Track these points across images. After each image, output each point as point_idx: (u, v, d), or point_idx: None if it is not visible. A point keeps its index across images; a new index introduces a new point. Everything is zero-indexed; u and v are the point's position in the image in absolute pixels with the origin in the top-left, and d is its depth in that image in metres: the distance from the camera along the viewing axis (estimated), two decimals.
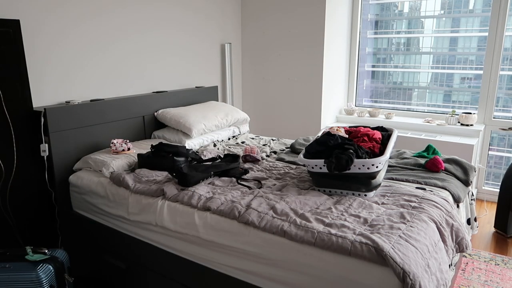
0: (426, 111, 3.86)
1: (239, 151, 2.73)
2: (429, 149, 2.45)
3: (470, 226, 2.25)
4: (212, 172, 2.13)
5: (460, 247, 1.73)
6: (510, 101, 3.51)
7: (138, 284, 2.13)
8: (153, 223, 1.94)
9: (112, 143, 2.42)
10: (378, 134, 2.14)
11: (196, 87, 3.47)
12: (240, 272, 1.68)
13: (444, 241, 1.64)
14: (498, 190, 2.92)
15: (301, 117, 3.87)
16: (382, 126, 2.40)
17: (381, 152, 2.00)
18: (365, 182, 1.84)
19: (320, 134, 2.20)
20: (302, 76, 3.77)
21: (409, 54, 3.91)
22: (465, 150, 3.13)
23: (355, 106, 4.14)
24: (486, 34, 3.37)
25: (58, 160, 2.33)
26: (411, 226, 1.54)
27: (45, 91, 2.39)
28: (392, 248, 1.37)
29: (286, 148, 2.86)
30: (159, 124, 2.99)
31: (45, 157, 2.28)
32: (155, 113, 2.96)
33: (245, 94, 4.18)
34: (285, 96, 3.92)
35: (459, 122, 3.45)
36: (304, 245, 1.51)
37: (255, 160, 2.48)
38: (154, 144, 2.37)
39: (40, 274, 1.76)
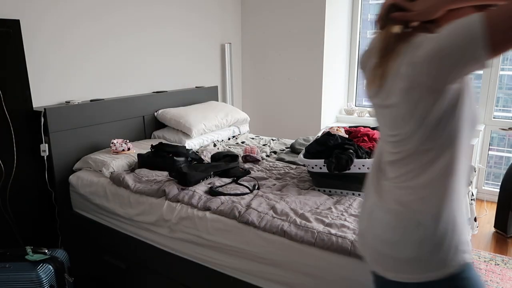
0: None
1: (239, 151, 2.73)
2: None
3: (470, 226, 2.25)
4: (212, 172, 2.14)
5: None
6: (510, 101, 3.51)
7: (138, 284, 2.13)
8: (153, 223, 1.94)
9: (112, 143, 2.42)
10: (378, 134, 2.14)
11: (196, 87, 3.47)
12: (240, 272, 1.68)
13: None
14: (498, 190, 2.92)
15: (301, 117, 3.87)
16: None
17: None
18: (365, 182, 1.83)
19: (320, 134, 2.20)
20: (302, 76, 3.77)
21: None
22: None
23: (355, 106, 4.14)
24: None
25: (58, 160, 2.33)
26: None
27: (45, 91, 2.39)
28: None
29: (286, 148, 2.86)
30: (159, 124, 2.99)
31: (45, 157, 2.28)
32: (155, 113, 2.96)
33: (245, 94, 4.18)
34: (285, 96, 3.92)
35: None
36: (304, 245, 1.51)
37: (255, 160, 2.48)
38: (154, 144, 2.37)
39: (40, 274, 1.76)
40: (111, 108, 2.61)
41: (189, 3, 3.33)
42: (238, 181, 2.09)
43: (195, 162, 2.34)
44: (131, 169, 2.34)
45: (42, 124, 2.22)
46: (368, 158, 1.84)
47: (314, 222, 1.59)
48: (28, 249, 1.87)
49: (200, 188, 1.96)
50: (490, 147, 3.55)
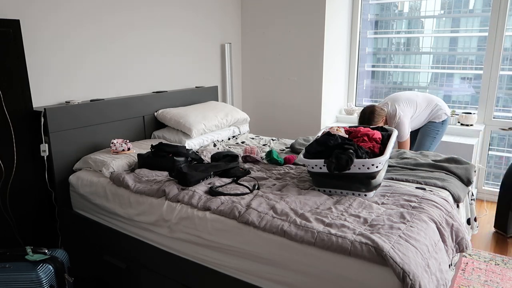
0: None
1: (239, 151, 2.73)
2: (272, 154, 2.46)
3: (470, 226, 2.25)
4: (212, 172, 2.14)
5: (460, 247, 1.73)
6: (510, 101, 3.51)
7: (138, 284, 2.12)
8: (153, 223, 1.94)
9: (112, 143, 2.42)
10: (378, 134, 2.14)
11: (196, 87, 3.47)
12: (240, 272, 1.68)
13: (444, 241, 1.64)
14: (498, 190, 2.92)
15: (301, 117, 3.87)
16: (382, 126, 2.40)
17: (381, 152, 2.00)
18: (365, 182, 1.84)
19: (320, 134, 2.20)
20: (302, 76, 3.77)
21: (409, 54, 3.92)
22: (465, 150, 3.14)
23: (355, 106, 4.14)
24: (486, 34, 3.37)
25: (58, 160, 2.33)
26: (411, 226, 1.54)
27: (45, 91, 2.39)
28: (392, 248, 1.37)
29: (286, 148, 2.86)
30: (159, 124, 2.99)
31: (45, 157, 2.28)
32: (155, 113, 2.96)
33: (245, 94, 4.18)
34: (285, 96, 3.92)
35: (459, 122, 3.45)
36: (304, 245, 1.51)
37: (255, 161, 2.48)
38: (154, 144, 2.37)
39: (40, 274, 1.76)
40: (111, 108, 2.61)
41: (189, 3, 3.33)
42: (238, 181, 2.09)
43: (195, 162, 2.34)
44: (131, 169, 2.34)
45: (42, 124, 2.22)
46: (368, 158, 1.84)
47: (314, 222, 1.59)
48: (28, 249, 1.87)
49: (200, 188, 1.96)
50: (490, 147, 3.55)
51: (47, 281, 1.78)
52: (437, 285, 1.41)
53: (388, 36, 4.02)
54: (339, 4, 3.74)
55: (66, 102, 2.47)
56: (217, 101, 3.59)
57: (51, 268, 1.82)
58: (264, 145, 2.97)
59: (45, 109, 2.22)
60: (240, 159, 2.46)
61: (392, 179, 2.12)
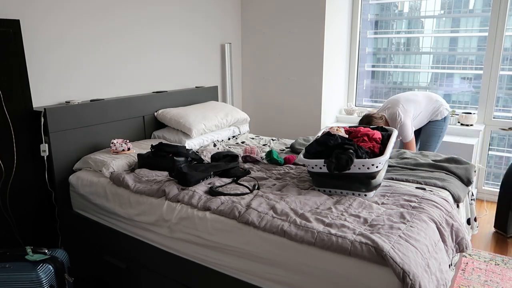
0: None
1: (239, 151, 2.73)
2: (272, 154, 2.46)
3: (470, 226, 2.25)
4: (212, 172, 2.14)
5: (460, 247, 1.73)
6: (510, 101, 3.51)
7: (138, 284, 2.12)
8: (153, 223, 1.94)
9: (112, 143, 2.42)
10: (378, 134, 2.14)
11: (196, 87, 3.47)
12: (240, 272, 1.68)
13: (444, 241, 1.64)
14: (498, 190, 2.92)
15: (301, 117, 3.87)
16: (382, 126, 2.40)
17: (381, 152, 2.00)
18: (365, 182, 1.84)
19: (320, 134, 2.20)
20: (302, 76, 3.77)
21: (409, 54, 3.92)
22: (465, 150, 3.13)
23: (355, 106, 4.14)
24: (486, 34, 3.37)
25: (58, 160, 2.33)
26: (411, 226, 1.54)
27: (45, 91, 2.39)
28: (392, 248, 1.37)
29: (286, 148, 2.86)
30: (159, 124, 2.99)
31: (45, 157, 2.28)
32: (155, 113, 2.96)
33: (245, 94, 4.18)
34: (285, 96, 3.92)
35: (459, 122, 3.45)
36: (304, 245, 1.51)
37: (255, 161, 2.48)
38: (154, 144, 2.37)
39: (40, 274, 1.76)
40: (111, 108, 2.61)
41: (189, 3, 3.33)
42: (238, 181, 2.09)
43: (195, 162, 2.34)
44: (131, 169, 2.34)
45: (42, 124, 2.22)
46: (368, 158, 1.84)
47: (314, 222, 1.59)
48: (28, 249, 1.87)
49: (200, 188, 1.96)
50: (490, 147, 3.55)
51: (47, 281, 1.78)
52: (437, 285, 1.41)
53: (388, 36, 4.02)
54: (339, 4, 3.74)
55: (66, 102, 2.47)
56: (217, 101, 3.59)
57: (51, 268, 1.82)
58: (264, 145, 2.97)
59: (45, 109, 2.22)
60: (240, 159, 2.46)
61: (392, 179, 2.12)
